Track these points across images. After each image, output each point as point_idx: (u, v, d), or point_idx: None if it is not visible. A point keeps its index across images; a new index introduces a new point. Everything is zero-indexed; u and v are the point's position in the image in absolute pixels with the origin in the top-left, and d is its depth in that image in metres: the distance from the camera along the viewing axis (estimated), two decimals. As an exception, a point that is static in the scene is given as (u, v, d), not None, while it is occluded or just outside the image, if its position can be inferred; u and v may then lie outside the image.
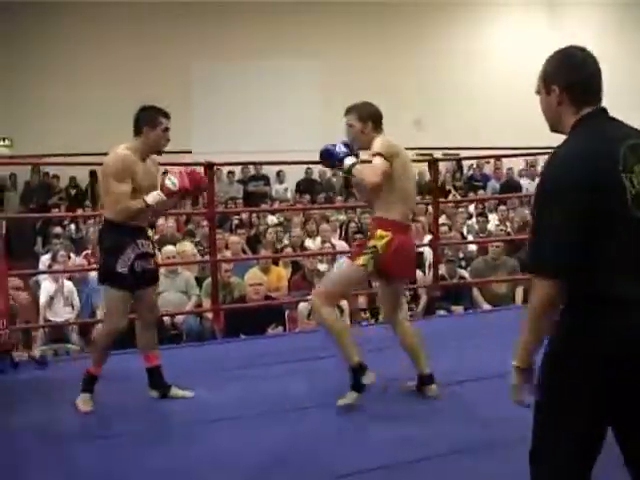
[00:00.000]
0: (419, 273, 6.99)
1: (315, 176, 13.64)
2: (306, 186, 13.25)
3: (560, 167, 1.95)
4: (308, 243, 8.56)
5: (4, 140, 13.15)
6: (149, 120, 3.88)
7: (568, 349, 1.98)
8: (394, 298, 4.06)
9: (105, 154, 3.90)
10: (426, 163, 8.80)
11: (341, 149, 3.86)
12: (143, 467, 3.28)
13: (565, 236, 1.89)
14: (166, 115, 3.94)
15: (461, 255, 7.64)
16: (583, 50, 2.06)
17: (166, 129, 3.92)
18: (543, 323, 1.97)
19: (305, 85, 13.08)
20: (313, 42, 13.40)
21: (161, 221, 8.67)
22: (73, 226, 9.85)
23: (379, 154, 3.69)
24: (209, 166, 5.59)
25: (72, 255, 7.45)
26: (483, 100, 14.04)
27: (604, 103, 2.05)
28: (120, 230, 3.89)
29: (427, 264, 7.45)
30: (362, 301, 6.79)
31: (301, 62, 12.90)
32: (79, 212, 10.73)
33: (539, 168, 12.70)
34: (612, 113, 2.05)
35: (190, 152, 11.06)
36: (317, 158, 3.95)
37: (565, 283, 1.92)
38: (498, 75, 14.30)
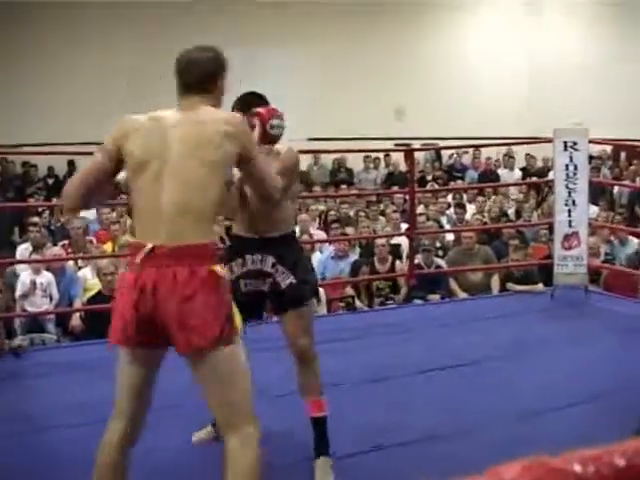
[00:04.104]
0: (397, 263, 7.04)
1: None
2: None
3: None
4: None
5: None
6: None
7: None
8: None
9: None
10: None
11: None
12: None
13: None
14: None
15: (438, 245, 7.68)
16: None
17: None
18: None
19: (287, 71, 13.15)
20: (296, 29, 13.42)
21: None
22: (49, 216, 9.74)
23: None
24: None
25: (49, 245, 7.39)
26: (464, 90, 14.06)
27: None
28: (231, 240, 3.21)
29: (404, 254, 7.50)
30: (348, 290, 6.83)
31: (284, 49, 12.96)
32: (54, 201, 10.63)
33: (518, 158, 12.77)
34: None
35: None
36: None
37: None
38: (479, 66, 14.33)
